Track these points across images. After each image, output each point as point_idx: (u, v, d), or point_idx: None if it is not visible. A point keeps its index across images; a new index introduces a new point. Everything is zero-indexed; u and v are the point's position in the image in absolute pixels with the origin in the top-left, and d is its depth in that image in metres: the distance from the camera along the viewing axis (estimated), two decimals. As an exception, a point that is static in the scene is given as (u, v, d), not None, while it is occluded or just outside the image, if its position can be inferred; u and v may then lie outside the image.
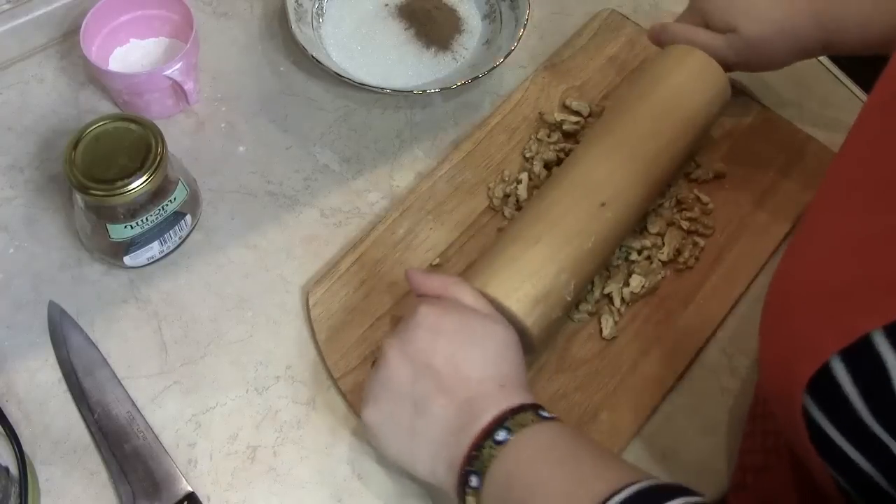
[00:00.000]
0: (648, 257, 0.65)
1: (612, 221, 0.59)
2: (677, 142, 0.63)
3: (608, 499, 0.43)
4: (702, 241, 0.66)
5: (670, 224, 0.67)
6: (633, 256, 0.65)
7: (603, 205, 0.59)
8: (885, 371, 0.36)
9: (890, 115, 0.43)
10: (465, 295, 0.54)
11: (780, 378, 0.42)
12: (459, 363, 0.50)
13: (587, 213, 0.59)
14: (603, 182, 0.60)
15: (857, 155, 0.45)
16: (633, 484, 0.43)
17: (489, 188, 0.68)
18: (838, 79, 0.78)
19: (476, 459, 0.48)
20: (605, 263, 0.62)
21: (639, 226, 0.66)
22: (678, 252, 0.66)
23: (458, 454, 0.49)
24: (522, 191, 0.67)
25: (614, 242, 0.61)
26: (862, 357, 0.37)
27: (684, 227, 0.66)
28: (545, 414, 0.49)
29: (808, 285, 0.42)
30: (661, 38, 0.69)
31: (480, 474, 0.47)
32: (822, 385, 0.38)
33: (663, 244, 0.66)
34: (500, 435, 0.48)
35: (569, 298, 0.58)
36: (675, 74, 0.65)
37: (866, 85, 0.78)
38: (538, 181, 0.68)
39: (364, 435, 0.54)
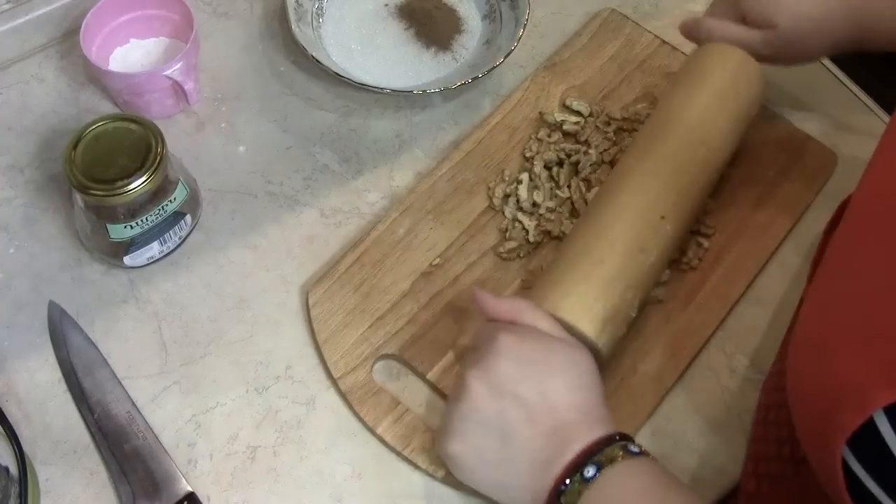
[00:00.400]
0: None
1: (670, 233, 0.59)
2: (725, 146, 0.63)
3: None
4: (705, 242, 0.66)
5: None
6: None
7: (663, 218, 0.58)
8: None
9: None
10: (540, 320, 0.53)
11: (816, 426, 0.40)
12: (547, 392, 0.49)
13: (649, 227, 0.58)
14: (661, 194, 0.59)
15: (892, 177, 0.43)
16: None
17: (489, 188, 0.68)
18: (838, 79, 0.78)
19: (563, 495, 0.47)
20: (662, 272, 0.62)
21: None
22: (682, 252, 0.65)
23: (544, 487, 0.48)
24: (523, 191, 0.67)
25: (671, 253, 0.61)
26: None
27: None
28: (633, 448, 0.48)
29: (848, 324, 0.40)
30: (695, 34, 0.68)
31: None
32: (864, 437, 0.37)
33: None
34: (590, 472, 0.46)
35: (633, 315, 0.57)
36: (718, 77, 0.64)
37: (867, 85, 0.78)
38: (538, 181, 0.68)
39: (449, 468, 0.53)
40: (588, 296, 0.55)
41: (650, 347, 0.62)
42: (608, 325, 0.55)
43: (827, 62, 0.79)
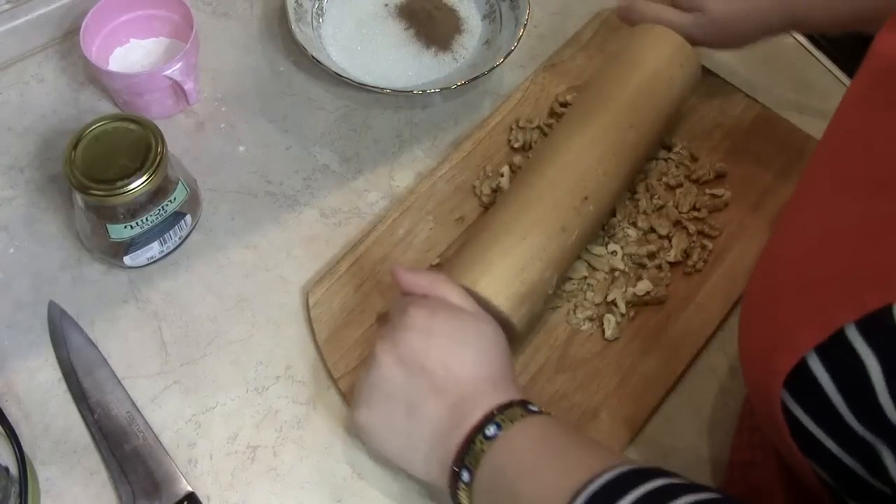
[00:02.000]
0: (659, 266, 0.65)
1: (593, 215, 0.60)
2: (655, 129, 0.64)
3: (588, 484, 0.43)
4: (709, 244, 0.66)
5: (677, 224, 0.67)
6: (645, 262, 0.65)
7: (586, 198, 0.60)
8: (861, 366, 0.36)
9: (870, 106, 0.43)
10: (453, 294, 0.55)
11: (758, 372, 0.42)
12: (452, 365, 0.51)
13: (571, 207, 0.59)
14: (586, 176, 0.60)
15: (838, 145, 0.45)
16: (612, 469, 0.44)
17: (475, 186, 0.68)
18: (838, 79, 0.78)
19: (467, 455, 0.48)
20: (581, 251, 0.63)
21: (646, 229, 0.66)
22: (686, 255, 0.65)
23: (450, 452, 0.49)
24: (505, 183, 0.68)
25: (593, 234, 0.62)
26: (838, 352, 0.37)
27: (690, 230, 0.66)
28: (534, 408, 0.50)
29: (788, 277, 0.42)
30: (629, 17, 0.70)
31: (471, 470, 0.48)
32: (800, 380, 0.39)
33: (671, 246, 0.66)
34: (490, 430, 0.48)
35: (550, 292, 0.59)
36: (650, 59, 0.65)
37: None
38: (519, 171, 0.68)
39: (357, 434, 0.55)
40: (507, 273, 0.57)
41: (650, 347, 0.62)
42: (525, 301, 0.56)
43: (827, 62, 0.79)
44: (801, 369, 0.38)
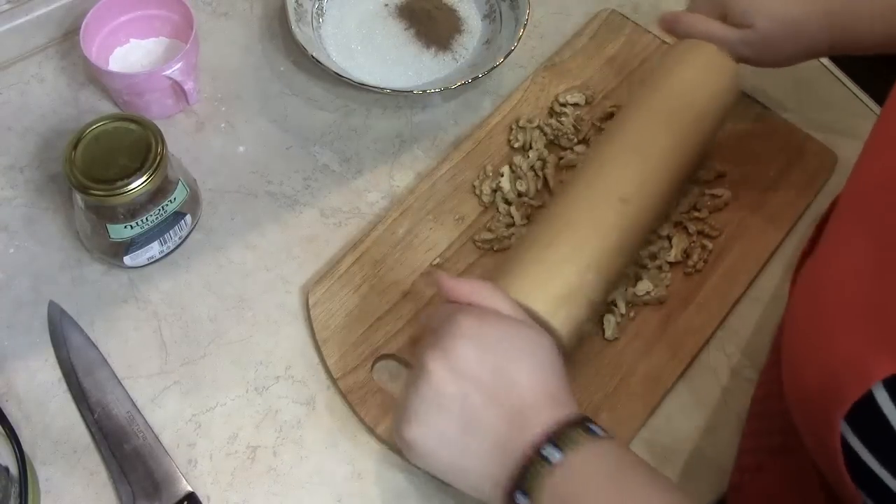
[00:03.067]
0: (659, 266, 0.65)
1: (633, 217, 0.58)
2: (691, 137, 0.63)
3: None
4: (710, 244, 0.66)
5: (677, 225, 0.67)
6: (646, 262, 0.65)
7: (623, 200, 0.58)
8: None
9: None
10: (500, 301, 0.52)
11: (813, 403, 0.40)
12: (508, 374, 0.48)
13: (607, 209, 0.58)
14: (620, 179, 0.59)
15: (887, 158, 0.43)
16: None
17: (474, 186, 0.68)
18: (838, 79, 0.78)
19: (524, 478, 0.46)
20: (632, 260, 0.61)
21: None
22: (687, 255, 0.65)
23: (505, 471, 0.47)
24: (505, 183, 0.67)
25: (638, 238, 0.60)
26: None
27: (690, 230, 0.66)
28: (595, 429, 0.48)
29: (843, 301, 0.40)
30: (674, 28, 0.69)
31: (528, 493, 0.46)
32: (864, 413, 0.37)
33: (671, 246, 0.66)
34: (552, 455, 0.46)
35: (596, 298, 0.56)
36: (685, 68, 0.64)
37: (867, 85, 0.78)
38: (520, 171, 0.68)
39: (404, 453, 0.52)
40: (540, 275, 0.55)
41: (650, 347, 0.62)
42: (563, 304, 0.54)
43: (827, 62, 0.79)
44: (866, 401, 0.36)
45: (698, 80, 0.64)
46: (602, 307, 0.58)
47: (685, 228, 0.67)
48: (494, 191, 0.68)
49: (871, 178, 0.45)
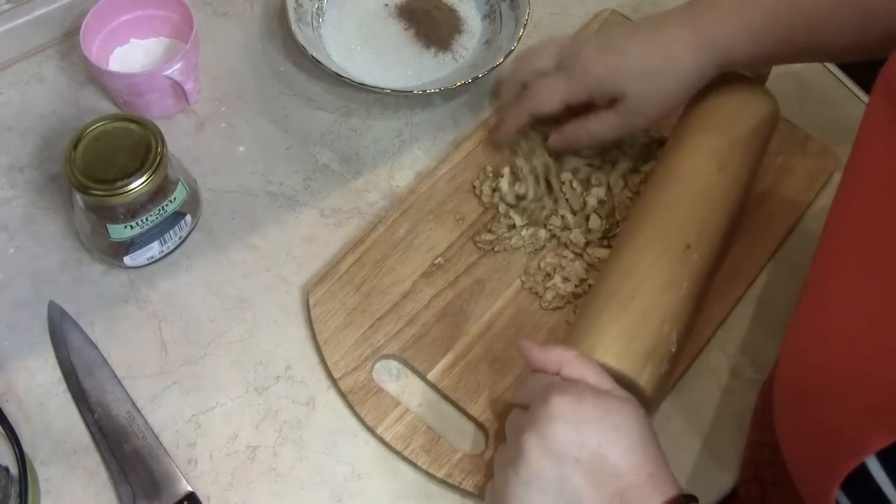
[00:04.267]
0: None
1: (699, 263, 0.58)
2: (741, 176, 0.62)
3: None
4: None
5: None
6: None
7: (688, 247, 0.58)
8: None
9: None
10: (589, 372, 0.52)
11: (810, 471, 0.40)
12: (607, 454, 0.48)
13: (675, 258, 0.57)
14: (682, 225, 0.59)
15: (869, 209, 0.43)
16: None
17: (474, 186, 0.68)
18: (838, 79, 0.78)
19: None
20: (699, 306, 0.61)
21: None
22: None
23: None
24: (504, 184, 0.67)
25: (704, 283, 0.60)
26: None
27: None
28: None
29: (833, 367, 0.40)
30: (500, 137, 0.69)
31: None
32: (858, 482, 0.37)
33: None
34: None
35: (673, 350, 0.56)
36: (728, 105, 0.64)
37: (866, 85, 0.78)
38: (521, 174, 0.68)
39: None
40: (623, 334, 0.54)
41: (650, 348, 0.62)
42: (648, 361, 0.54)
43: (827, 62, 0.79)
44: (859, 471, 0.37)
45: (742, 116, 0.63)
46: (677, 356, 0.58)
47: None
48: (494, 190, 0.68)
49: (846, 239, 0.44)
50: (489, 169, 0.69)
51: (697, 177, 0.61)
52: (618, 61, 0.60)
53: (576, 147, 0.67)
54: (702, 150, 0.62)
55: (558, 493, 0.48)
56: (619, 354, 0.54)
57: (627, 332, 0.55)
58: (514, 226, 0.66)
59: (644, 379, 0.54)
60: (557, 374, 0.52)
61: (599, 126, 0.64)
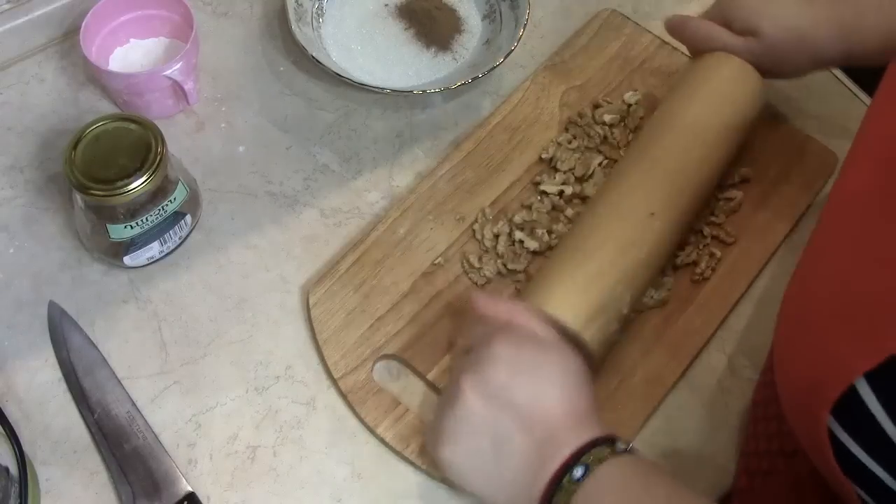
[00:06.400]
0: (662, 270, 0.65)
1: (661, 231, 0.59)
2: (719, 149, 0.63)
3: None
4: (718, 253, 0.66)
5: (694, 231, 0.67)
6: None
7: (652, 215, 0.59)
8: None
9: None
10: (535, 323, 0.54)
11: (802, 399, 0.41)
12: (540, 400, 0.50)
13: (637, 224, 0.59)
14: (650, 193, 0.60)
15: (875, 158, 0.44)
16: None
17: (474, 230, 0.66)
18: (838, 79, 0.78)
19: (555, 496, 0.47)
20: (659, 272, 0.62)
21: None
22: (695, 263, 0.65)
23: (537, 490, 0.48)
24: (527, 239, 0.65)
25: (666, 251, 0.61)
26: (888, 377, 0.36)
27: (705, 232, 0.66)
28: (620, 446, 0.49)
29: (828, 301, 0.41)
30: (680, 33, 0.69)
31: None
32: (848, 406, 0.38)
33: (681, 252, 0.65)
34: (578, 471, 0.47)
35: (625, 311, 0.57)
36: (712, 81, 0.65)
37: (866, 85, 0.78)
38: (536, 216, 0.67)
39: (439, 467, 0.54)
40: (575, 291, 0.56)
41: (650, 348, 0.62)
42: (595, 319, 0.56)
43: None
44: (850, 396, 0.38)
45: (725, 93, 0.64)
46: (629, 317, 0.59)
47: (699, 232, 0.66)
48: (497, 236, 0.66)
49: (853, 187, 0.45)
50: (488, 211, 0.67)
51: (668, 147, 0.62)
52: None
53: (689, 40, 0.68)
54: (677, 122, 0.63)
55: (489, 433, 0.50)
56: (568, 310, 0.55)
57: (579, 289, 0.56)
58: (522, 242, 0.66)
59: (589, 335, 0.55)
60: (506, 325, 0.54)
61: (724, 38, 0.65)
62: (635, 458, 0.49)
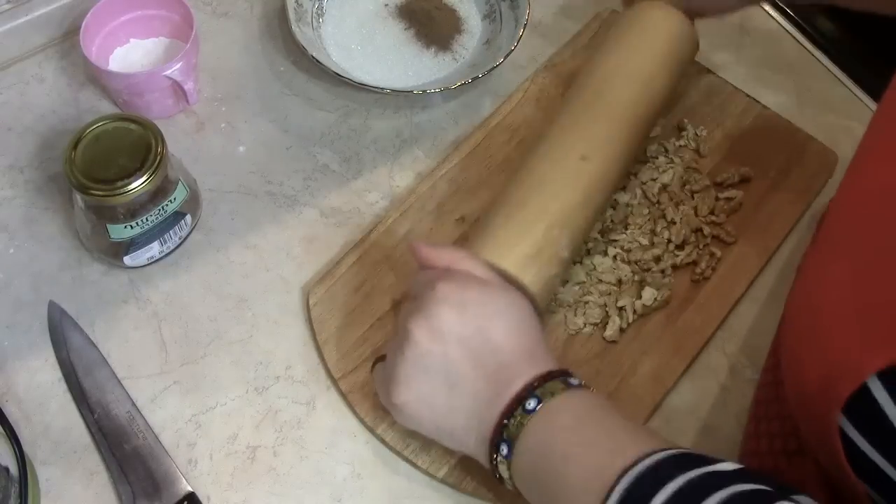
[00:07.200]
0: (663, 270, 0.65)
1: (595, 173, 0.60)
2: (647, 92, 0.64)
3: (636, 463, 0.43)
4: (718, 252, 0.66)
5: (696, 231, 0.67)
6: (650, 266, 0.65)
7: (583, 158, 0.60)
8: None
9: None
10: (476, 267, 0.54)
11: (812, 398, 0.41)
12: (488, 335, 0.50)
13: (569, 168, 0.60)
14: (580, 138, 0.61)
15: (885, 156, 0.44)
16: (660, 451, 0.43)
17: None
18: (838, 79, 0.78)
19: (506, 428, 0.48)
20: (600, 213, 0.63)
21: (647, 232, 0.66)
22: (695, 262, 0.65)
23: (489, 424, 0.49)
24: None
25: (602, 195, 0.62)
26: None
27: (705, 231, 0.66)
28: (573, 381, 0.50)
29: (840, 299, 0.41)
30: None
31: (511, 443, 0.48)
32: (859, 404, 0.38)
33: (681, 250, 0.66)
34: (531, 404, 0.48)
35: (564, 254, 0.58)
36: (638, 28, 0.66)
37: (866, 85, 0.78)
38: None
39: (393, 416, 0.54)
40: (511, 237, 0.57)
41: (650, 347, 0.62)
42: (533, 263, 0.56)
43: (827, 62, 0.79)
44: (862, 394, 0.38)
45: (651, 37, 0.66)
46: (576, 257, 0.61)
47: (699, 231, 0.66)
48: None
49: (862, 187, 0.45)
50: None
51: (599, 92, 0.63)
52: None
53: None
54: (607, 69, 0.64)
55: (441, 370, 0.50)
56: (506, 255, 0.56)
57: (515, 234, 0.57)
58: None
59: (528, 278, 0.56)
60: (447, 270, 0.54)
61: None
62: (588, 392, 0.50)
